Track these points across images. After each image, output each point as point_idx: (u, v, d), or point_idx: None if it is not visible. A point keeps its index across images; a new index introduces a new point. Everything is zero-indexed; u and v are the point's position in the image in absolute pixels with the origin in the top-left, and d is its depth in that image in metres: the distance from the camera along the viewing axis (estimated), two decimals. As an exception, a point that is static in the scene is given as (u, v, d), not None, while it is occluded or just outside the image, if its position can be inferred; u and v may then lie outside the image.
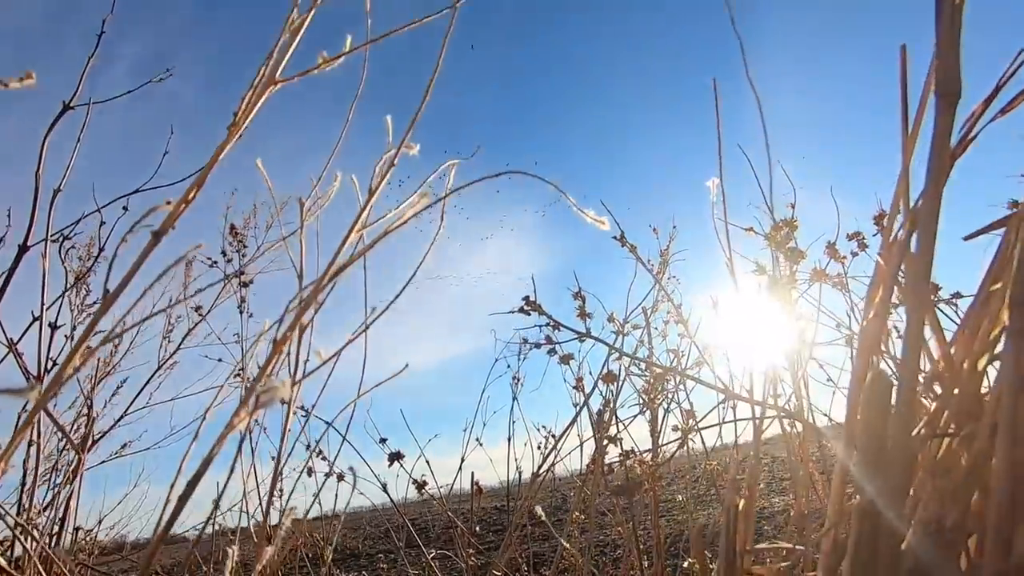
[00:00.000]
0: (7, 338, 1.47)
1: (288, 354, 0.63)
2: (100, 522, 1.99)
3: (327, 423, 1.89)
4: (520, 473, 3.19)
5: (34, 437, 1.32)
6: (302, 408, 2.15)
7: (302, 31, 0.51)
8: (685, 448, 2.00)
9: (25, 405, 1.62)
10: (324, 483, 2.08)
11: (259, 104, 0.49)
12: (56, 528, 1.42)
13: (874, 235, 2.27)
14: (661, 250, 2.43)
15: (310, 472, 2.21)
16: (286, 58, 0.50)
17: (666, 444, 1.78)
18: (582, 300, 1.24)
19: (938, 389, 0.51)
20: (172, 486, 0.70)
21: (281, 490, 2.62)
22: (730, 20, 0.70)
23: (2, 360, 1.47)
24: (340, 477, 2.10)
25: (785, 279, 1.11)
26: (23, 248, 1.66)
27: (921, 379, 0.55)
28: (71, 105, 1.70)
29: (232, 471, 1.27)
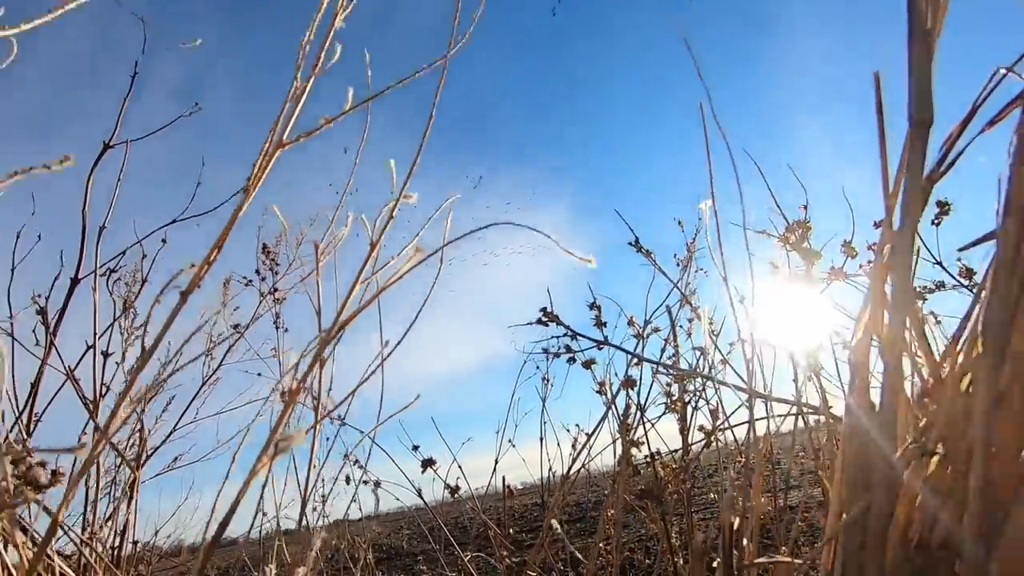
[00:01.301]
0: (65, 366, 1.59)
1: (309, 389, 0.67)
2: (156, 532, 2.13)
3: (362, 432, 1.96)
4: (553, 473, 3.23)
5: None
6: (339, 418, 2.24)
7: (304, 97, 0.55)
8: (716, 445, 2.00)
9: (84, 427, 1.75)
10: (358, 489, 2.17)
11: (268, 168, 0.53)
12: (117, 540, 1.53)
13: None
14: (687, 243, 2.41)
15: (348, 480, 2.30)
16: (291, 123, 0.55)
17: (695, 443, 1.78)
18: (598, 310, 1.26)
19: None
20: (214, 508, 0.76)
21: (324, 495, 2.74)
22: (697, 73, 0.72)
23: (62, 386, 1.59)
24: (377, 484, 2.18)
25: (802, 279, 1.11)
26: (75, 281, 1.78)
27: (914, 394, 0.56)
28: (111, 144, 1.81)
29: (264, 486, 1.34)
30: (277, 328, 2.84)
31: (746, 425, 1.98)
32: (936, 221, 2.10)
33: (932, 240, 2.15)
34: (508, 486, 2.50)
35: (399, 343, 0.59)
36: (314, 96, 0.62)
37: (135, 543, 1.47)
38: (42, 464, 0.95)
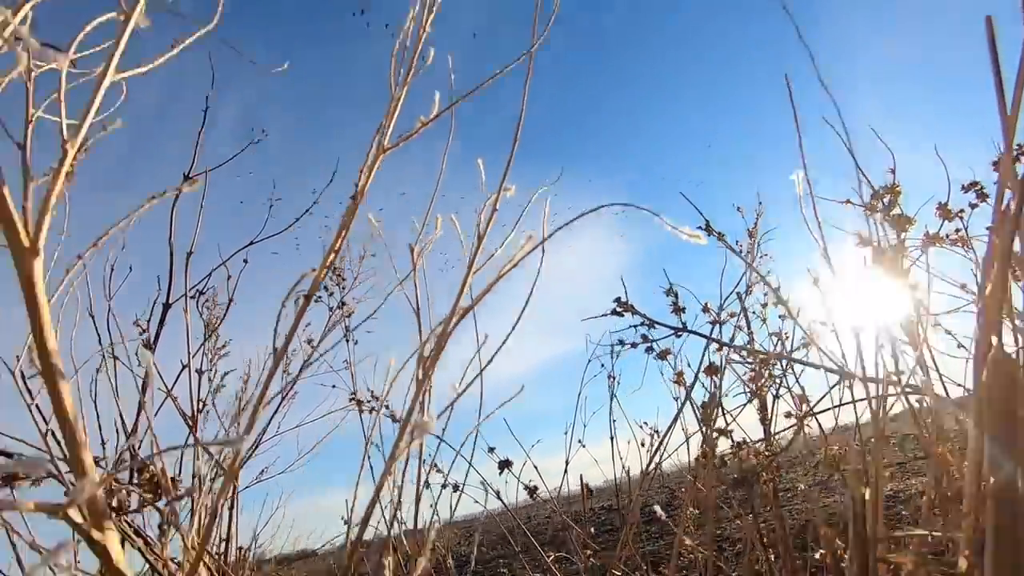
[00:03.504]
0: (165, 385, 1.71)
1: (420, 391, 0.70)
2: (256, 536, 2.26)
3: (439, 439, 2.00)
4: (628, 472, 3.17)
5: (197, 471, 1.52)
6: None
7: (400, 103, 0.57)
8: (801, 434, 1.92)
9: (185, 440, 1.87)
10: (439, 497, 2.22)
11: (374, 172, 0.56)
12: (223, 547, 1.62)
13: (995, 183, 2.06)
14: (748, 229, 2.34)
15: (427, 484, 2.35)
16: (390, 129, 0.57)
17: (780, 432, 1.71)
18: (675, 295, 1.23)
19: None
20: (352, 509, 0.80)
21: (399, 503, 2.81)
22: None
23: (162, 404, 1.71)
24: (456, 488, 2.22)
25: (893, 248, 1.04)
26: (166, 306, 1.92)
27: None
28: (190, 176, 1.94)
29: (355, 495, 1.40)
30: (347, 341, 2.96)
31: (832, 411, 1.89)
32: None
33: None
34: (586, 485, 2.48)
35: (502, 345, 0.61)
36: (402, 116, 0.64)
37: (240, 548, 1.56)
38: (153, 476, 1.01)
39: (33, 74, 0.49)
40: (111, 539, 0.41)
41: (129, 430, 1.50)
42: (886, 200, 1.03)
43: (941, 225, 1.10)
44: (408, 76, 0.56)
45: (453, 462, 2.03)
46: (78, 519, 0.39)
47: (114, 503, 0.94)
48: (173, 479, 0.96)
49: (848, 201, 1.09)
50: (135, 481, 1.08)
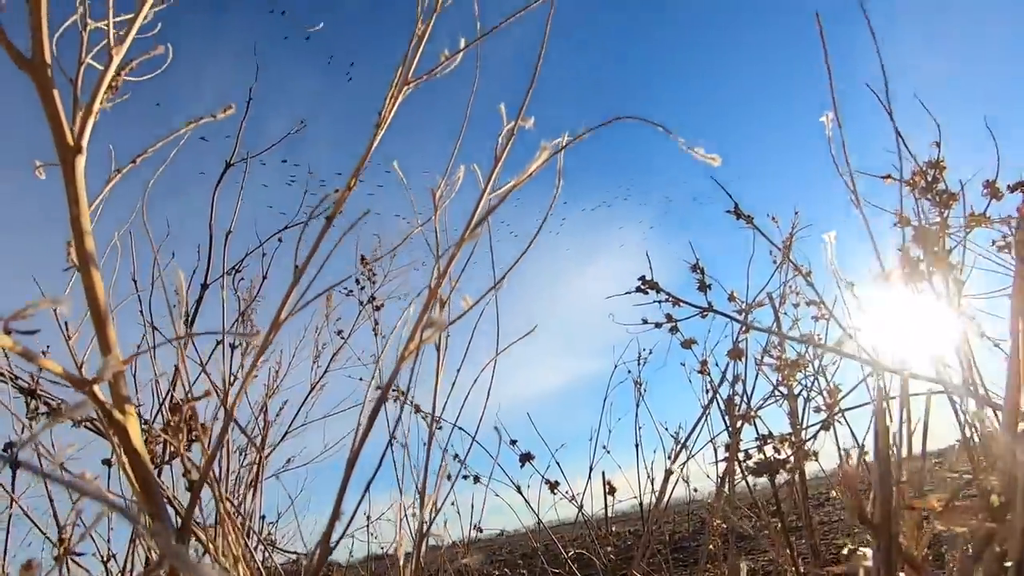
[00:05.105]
0: (200, 358, 1.76)
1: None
2: (279, 517, 2.31)
3: (469, 434, 2.01)
4: (652, 481, 3.09)
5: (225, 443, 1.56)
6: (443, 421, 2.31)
7: (426, 37, 0.59)
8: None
9: (216, 411, 1.93)
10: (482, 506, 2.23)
11: (397, 103, 0.57)
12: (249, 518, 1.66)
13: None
14: (793, 223, 2.28)
15: (449, 477, 2.36)
16: (415, 61, 0.58)
17: (810, 426, 1.64)
18: (701, 272, 1.21)
19: None
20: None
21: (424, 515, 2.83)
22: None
23: (198, 377, 1.76)
24: (476, 479, 2.22)
25: (934, 227, 1.00)
26: (204, 286, 1.99)
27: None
28: (231, 163, 2.02)
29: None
30: (376, 334, 3.00)
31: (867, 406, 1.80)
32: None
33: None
34: (609, 482, 2.43)
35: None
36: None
37: (263, 517, 1.59)
38: (187, 417, 1.04)
39: None
40: (131, 422, 0.43)
41: (163, 394, 1.56)
42: (929, 176, 0.99)
43: (988, 204, 1.04)
44: (436, 9, 0.58)
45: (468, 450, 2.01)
46: (102, 396, 0.40)
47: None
48: (203, 425, 0.98)
49: (888, 176, 1.05)
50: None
